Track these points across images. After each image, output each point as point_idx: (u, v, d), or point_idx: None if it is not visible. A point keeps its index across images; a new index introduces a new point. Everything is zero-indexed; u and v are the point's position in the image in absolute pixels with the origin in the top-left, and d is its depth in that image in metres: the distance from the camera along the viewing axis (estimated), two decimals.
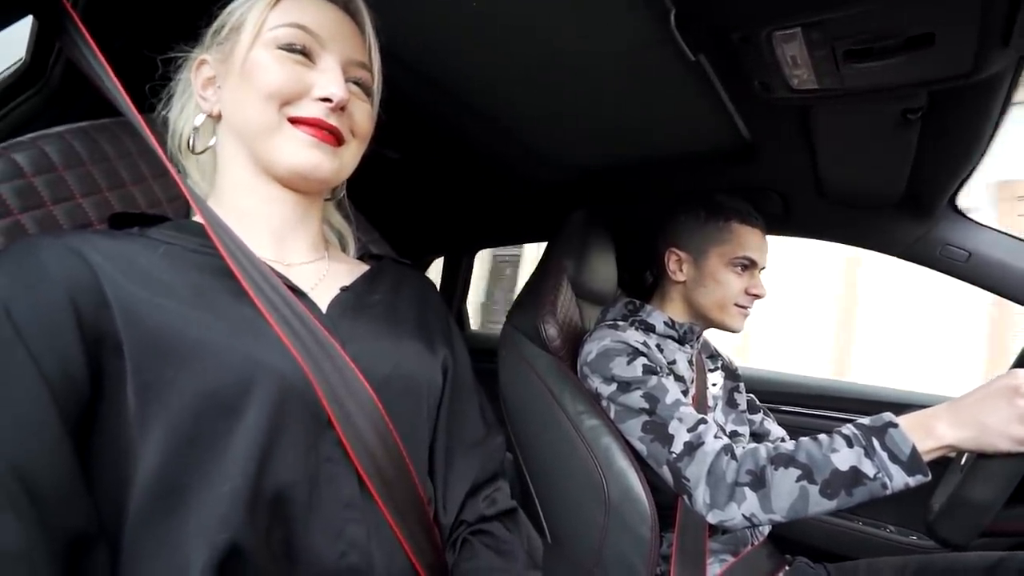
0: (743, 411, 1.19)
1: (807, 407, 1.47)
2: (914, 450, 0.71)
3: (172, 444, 0.42)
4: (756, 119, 0.92)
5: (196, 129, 0.56)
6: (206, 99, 0.56)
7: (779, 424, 1.26)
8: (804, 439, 0.80)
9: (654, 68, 0.80)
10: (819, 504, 0.75)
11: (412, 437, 0.55)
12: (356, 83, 0.57)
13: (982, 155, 0.87)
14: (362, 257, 0.70)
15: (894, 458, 0.72)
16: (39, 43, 0.52)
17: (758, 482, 0.78)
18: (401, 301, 0.64)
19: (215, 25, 0.56)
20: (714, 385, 1.16)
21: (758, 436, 1.21)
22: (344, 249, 0.69)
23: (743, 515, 0.79)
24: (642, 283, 1.41)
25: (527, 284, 1.19)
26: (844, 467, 0.74)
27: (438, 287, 2.06)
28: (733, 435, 1.11)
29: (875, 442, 0.74)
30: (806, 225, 1.26)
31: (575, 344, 1.11)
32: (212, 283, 0.48)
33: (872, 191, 1.06)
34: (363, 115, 0.57)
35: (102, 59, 0.45)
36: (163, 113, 0.58)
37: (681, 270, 1.10)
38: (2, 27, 0.43)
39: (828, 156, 0.97)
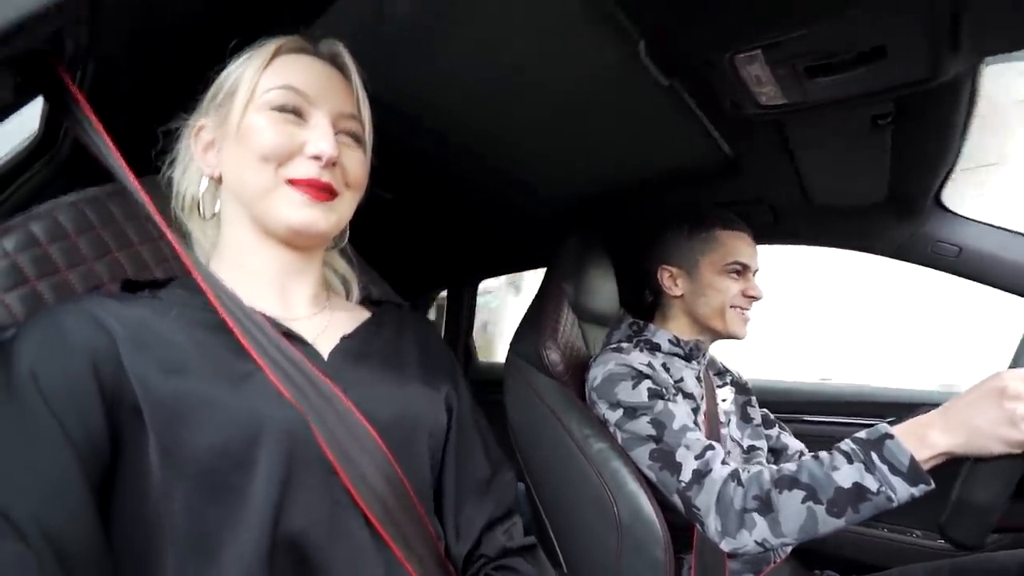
0: (758, 425, 1.17)
1: (823, 415, 1.47)
2: (913, 460, 0.71)
3: (195, 502, 0.44)
4: (735, 135, 0.95)
5: (202, 194, 0.58)
6: (207, 163, 0.58)
7: (797, 435, 1.24)
8: (806, 459, 0.80)
9: (633, 95, 0.85)
10: (828, 523, 0.74)
11: (419, 478, 0.56)
12: (348, 134, 0.59)
13: (958, 152, 0.90)
14: (363, 302, 0.71)
15: (894, 470, 0.71)
16: (50, 118, 0.56)
17: (765, 507, 0.78)
18: (403, 345, 0.65)
19: (211, 90, 0.58)
20: (724, 400, 1.15)
21: (776, 452, 1.19)
22: (348, 294, 0.70)
23: (755, 541, 0.78)
24: (644, 301, 1.43)
25: (528, 311, 1.21)
26: (847, 484, 0.73)
27: (444, 319, 2.10)
28: (751, 450, 1.10)
29: (874, 456, 0.74)
30: (797, 232, 1.29)
31: (580, 368, 1.12)
32: (215, 340, 0.49)
33: (856, 194, 1.09)
34: (356, 165, 0.59)
35: (104, 136, 0.48)
36: (167, 175, 0.61)
37: (676, 284, 1.12)
38: (17, 107, 0.47)
39: (809, 164, 1.00)
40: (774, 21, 0.59)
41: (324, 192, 0.55)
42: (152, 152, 0.60)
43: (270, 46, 0.57)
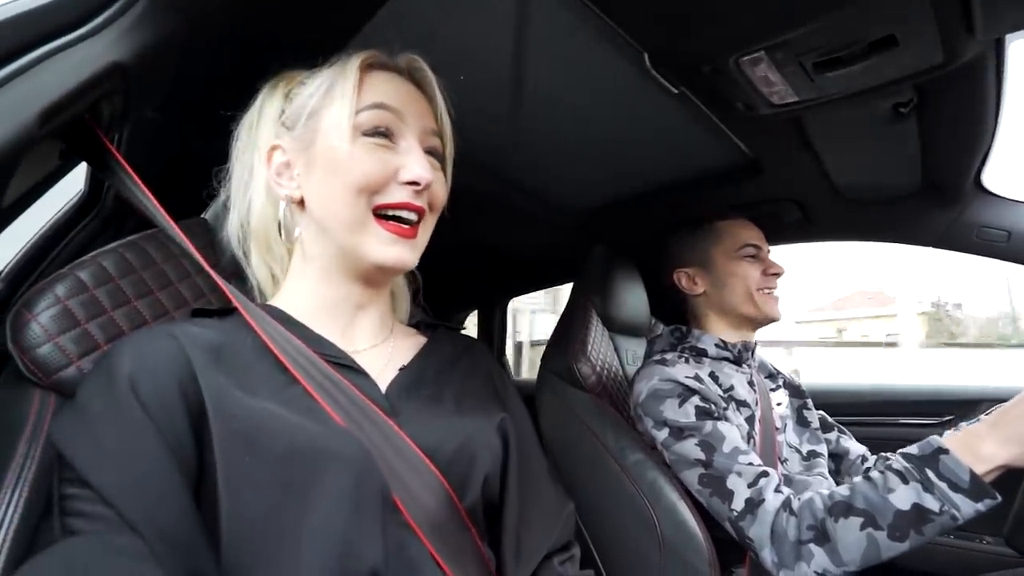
0: (817, 429, 1.12)
1: (882, 415, 1.40)
2: (974, 475, 0.67)
3: (256, 534, 0.43)
4: (753, 135, 0.94)
5: (281, 217, 0.57)
6: (284, 186, 0.56)
7: (859, 439, 1.18)
8: (858, 480, 0.76)
9: (645, 104, 0.85)
10: (892, 549, 0.70)
11: (473, 506, 0.55)
12: (432, 153, 0.58)
13: (993, 132, 0.86)
14: (417, 325, 0.71)
15: (955, 487, 0.68)
16: (93, 176, 0.61)
17: (822, 537, 0.74)
18: (457, 372, 0.64)
19: (287, 109, 0.57)
20: (779, 405, 1.10)
21: (837, 457, 1.14)
22: (397, 313, 0.69)
23: (815, 572, 0.74)
24: (676, 308, 1.41)
25: (557, 326, 1.21)
26: (905, 506, 0.70)
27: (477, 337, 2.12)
28: (811, 455, 1.05)
29: (930, 473, 0.70)
30: (829, 228, 1.25)
31: (612, 380, 1.11)
32: (275, 371, 0.50)
33: (888, 185, 1.05)
34: (440, 186, 0.58)
35: (143, 187, 0.52)
36: (222, 201, 0.61)
37: (696, 283, 1.11)
38: (64, 173, 0.52)
39: (833, 159, 0.97)
40: (773, 22, 0.59)
41: (410, 228, 0.55)
42: (189, 195, 0.64)
43: (354, 62, 0.55)
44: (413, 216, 0.55)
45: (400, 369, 0.59)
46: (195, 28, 0.50)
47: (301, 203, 0.57)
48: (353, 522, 0.44)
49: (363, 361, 0.56)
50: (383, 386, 0.56)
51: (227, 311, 0.56)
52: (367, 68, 0.56)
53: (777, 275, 1.07)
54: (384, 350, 0.61)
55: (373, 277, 0.58)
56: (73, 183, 0.58)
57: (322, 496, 0.44)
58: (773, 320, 1.07)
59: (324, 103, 0.55)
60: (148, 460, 0.42)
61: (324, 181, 0.54)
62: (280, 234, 0.59)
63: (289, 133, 0.57)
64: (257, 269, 0.61)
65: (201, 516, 0.44)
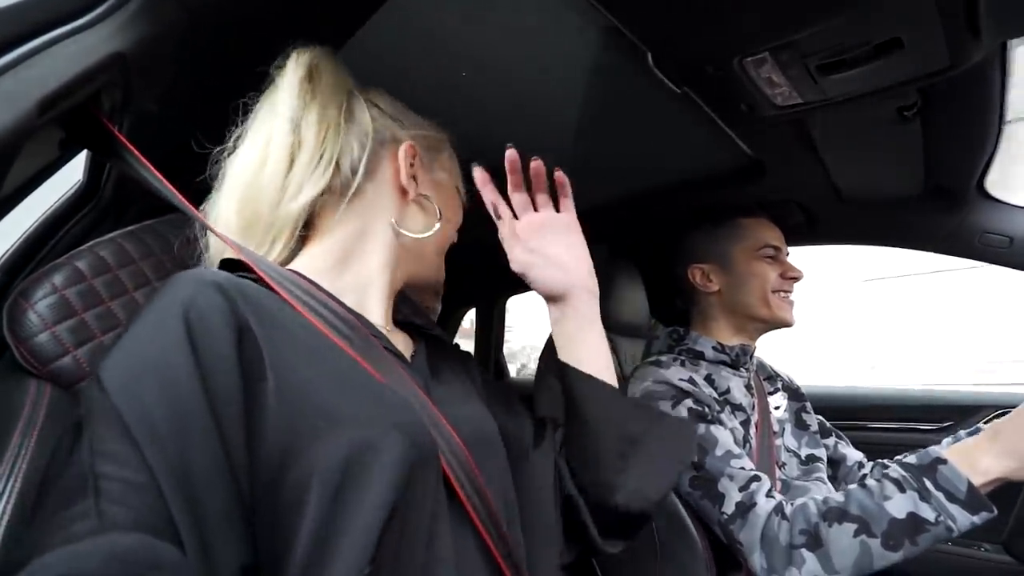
0: (815, 432, 1.11)
1: (881, 421, 1.40)
2: (971, 486, 0.67)
3: (313, 509, 0.40)
4: (756, 136, 0.93)
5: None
6: (408, 183, 0.60)
7: (855, 443, 1.17)
8: (853, 488, 0.76)
9: (648, 104, 0.85)
10: (884, 558, 0.70)
11: (502, 491, 0.55)
12: None
13: (996, 137, 0.85)
14: (403, 326, 0.68)
15: (951, 498, 0.68)
16: (92, 166, 0.61)
17: (814, 542, 0.74)
18: (458, 367, 0.65)
19: (412, 118, 0.64)
20: (777, 408, 1.09)
21: (834, 463, 1.13)
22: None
23: None
24: (676, 309, 1.40)
25: None
26: (901, 515, 0.70)
27: (473, 339, 2.11)
28: (810, 460, 1.04)
29: (927, 483, 0.70)
30: (832, 232, 1.24)
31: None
32: (313, 336, 0.47)
33: (891, 189, 1.05)
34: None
35: (148, 164, 0.51)
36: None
37: (711, 281, 1.08)
38: (64, 162, 0.52)
39: (836, 162, 0.97)
40: (777, 23, 0.58)
41: None
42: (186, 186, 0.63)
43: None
44: None
45: (412, 355, 0.60)
46: (196, 18, 0.50)
47: (406, 199, 0.61)
48: (405, 493, 0.42)
49: (395, 340, 0.57)
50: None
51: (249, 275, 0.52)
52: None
53: (795, 279, 1.04)
54: (395, 335, 0.61)
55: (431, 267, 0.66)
56: (72, 173, 0.58)
57: (379, 469, 0.41)
58: (786, 325, 1.05)
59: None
60: (203, 451, 0.38)
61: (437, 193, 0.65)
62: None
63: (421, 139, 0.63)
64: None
65: (244, 499, 0.40)
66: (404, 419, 0.45)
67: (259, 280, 0.50)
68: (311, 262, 0.57)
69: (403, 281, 0.64)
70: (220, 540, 0.38)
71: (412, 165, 0.61)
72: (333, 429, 0.42)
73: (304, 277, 0.54)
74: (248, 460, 0.40)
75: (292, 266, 0.57)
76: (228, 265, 0.53)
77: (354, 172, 0.57)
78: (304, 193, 0.54)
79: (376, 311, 0.58)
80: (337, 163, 0.56)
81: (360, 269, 0.58)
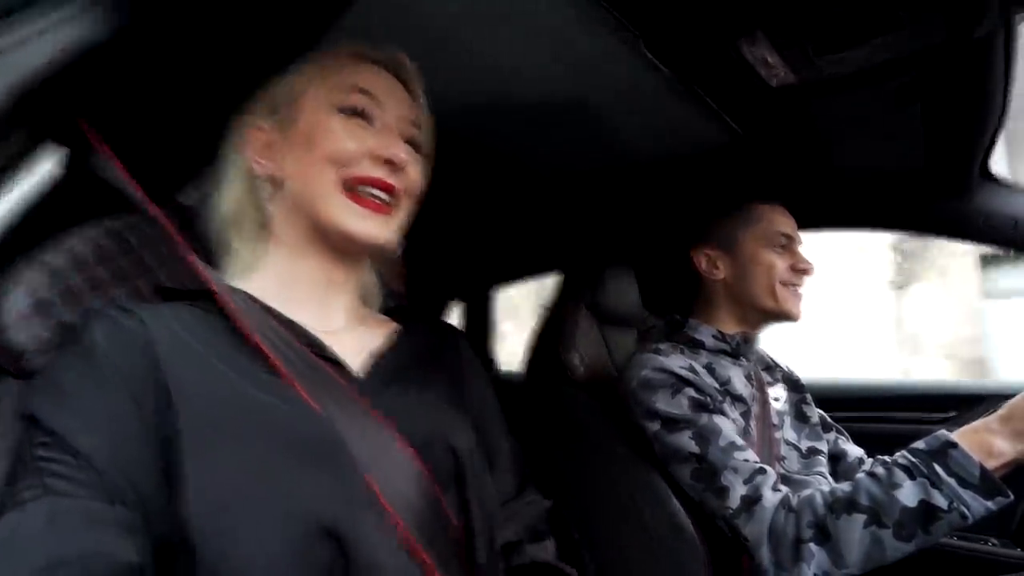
0: (816, 425, 1.08)
1: (884, 410, 1.38)
2: (984, 470, 0.64)
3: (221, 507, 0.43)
4: (751, 118, 0.91)
5: (261, 197, 0.58)
6: (263, 166, 0.58)
7: (855, 435, 1.14)
8: (861, 477, 0.74)
9: (640, 85, 0.82)
10: (897, 549, 0.68)
11: (452, 494, 0.54)
12: (409, 142, 0.60)
13: (1000, 117, 0.83)
14: (391, 313, 0.70)
15: (964, 483, 0.65)
16: (69, 161, 0.60)
17: (823, 535, 0.71)
18: (432, 361, 0.64)
19: (269, 95, 0.59)
20: (777, 400, 1.05)
21: (834, 458, 1.09)
22: (368, 303, 0.69)
23: (815, 574, 0.71)
24: (672, 297, 1.38)
25: (544, 315, 1.18)
26: (912, 503, 0.67)
27: (464, 329, 2.09)
28: (810, 453, 1.02)
29: (938, 468, 0.67)
30: (831, 215, 1.21)
31: (602, 374, 1.08)
32: (245, 353, 0.49)
33: (889, 171, 1.02)
34: (417, 173, 0.60)
35: (123, 172, 0.52)
36: (203, 192, 0.61)
37: (717, 267, 1.04)
38: (38, 159, 0.51)
39: (834, 142, 0.94)
40: (772, 1, 0.56)
41: (385, 205, 0.56)
42: (163, 183, 0.62)
43: (340, 51, 0.59)
44: (387, 196, 0.56)
45: (374, 355, 0.59)
46: (175, 13, 0.49)
47: (279, 184, 0.58)
48: (324, 505, 0.44)
49: (337, 342, 0.56)
50: (356, 369, 0.56)
51: (199, 293, 0.55)
52: (352, 57, 0.59)
53: (805, 272, 1.00)
54: (358, 334, 0.60)
55: (347, 251, 0.59)
56: (47, 168, 0.56)
57: (292, 481, 0.44)
58: (792, 318, 1.01)
59: (308, 87, 0.58)
60: (129, 426, 0.44)
61: (299, 155, 0.56)
62: (253, 219, 0.59)
63: (272, 116, 0.59)
64: (237, 255, 0.60)
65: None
66: (319, 434, 0.47)
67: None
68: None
69: (319, 254, 0.60)
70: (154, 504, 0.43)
71: (255, 148, 0.59)
72: (239, 442, 0.45)
73: (247, 294, 0.56)
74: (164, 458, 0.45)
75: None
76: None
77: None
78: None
79: (309, 310, 0.57)
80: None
81: (276, 268, 0.59)
